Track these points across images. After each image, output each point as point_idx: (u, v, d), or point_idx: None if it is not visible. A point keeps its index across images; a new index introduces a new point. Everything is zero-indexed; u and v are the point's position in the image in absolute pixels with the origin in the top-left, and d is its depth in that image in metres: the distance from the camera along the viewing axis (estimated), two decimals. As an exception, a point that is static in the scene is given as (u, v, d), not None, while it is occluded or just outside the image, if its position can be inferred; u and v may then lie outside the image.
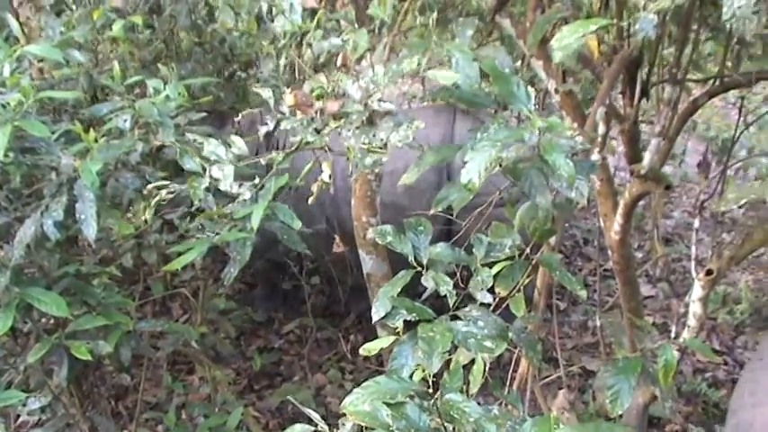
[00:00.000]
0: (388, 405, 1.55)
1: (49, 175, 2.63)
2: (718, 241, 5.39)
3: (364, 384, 1.58)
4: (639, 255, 6.10)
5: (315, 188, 1.99)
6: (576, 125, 3.20)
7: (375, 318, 1.82)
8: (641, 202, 4.68)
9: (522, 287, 2.05)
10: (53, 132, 2.77)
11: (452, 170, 4.21)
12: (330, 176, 1.90)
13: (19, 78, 2.56)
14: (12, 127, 2.33)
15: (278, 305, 5.51)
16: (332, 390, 4.75)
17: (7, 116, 2.37)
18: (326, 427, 1.85)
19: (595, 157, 2.91)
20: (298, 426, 1.86)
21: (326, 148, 2.00)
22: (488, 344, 1.74)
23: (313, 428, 1.83)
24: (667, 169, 5.33)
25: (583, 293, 1.89)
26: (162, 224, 3.30)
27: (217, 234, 2.86)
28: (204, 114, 3.22)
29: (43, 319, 2.86)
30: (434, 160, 1.93)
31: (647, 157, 2.73)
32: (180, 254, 2.84)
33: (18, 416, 2.67)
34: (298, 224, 2.73)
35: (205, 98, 3.45)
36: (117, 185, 2.87)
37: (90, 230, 2.35)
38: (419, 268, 1.88)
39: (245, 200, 2.89)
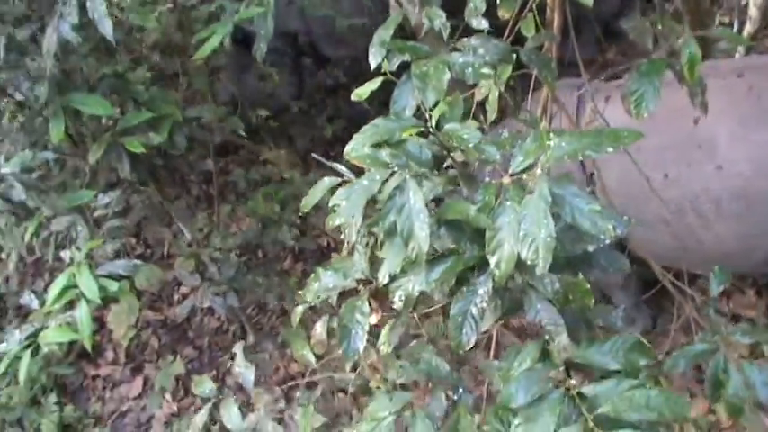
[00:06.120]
0: (389, 144, 1.57)
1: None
2: None
3: (362, 129, 1.59)
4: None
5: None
6: None
7: (373, 65, 1.79)
8: None
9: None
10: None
11: None
12: None
13: None
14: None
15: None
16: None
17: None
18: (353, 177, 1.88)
19: None
20: (326, 179, 1.92)
21: None
22: (486, 70, 1.68)
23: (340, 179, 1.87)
24: None
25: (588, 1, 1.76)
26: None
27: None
28: None
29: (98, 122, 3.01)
30: None
31: None
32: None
33: (94, 210, 2.91)
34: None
35: None
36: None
37: (106, 27, 2.37)
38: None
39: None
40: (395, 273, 1.50)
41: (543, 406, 1.30)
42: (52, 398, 4.25)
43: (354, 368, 1.99)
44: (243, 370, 2.03)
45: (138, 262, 2.72)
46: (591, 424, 1.22)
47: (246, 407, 2.18)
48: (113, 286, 2.65)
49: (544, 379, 1.33)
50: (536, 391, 1.31)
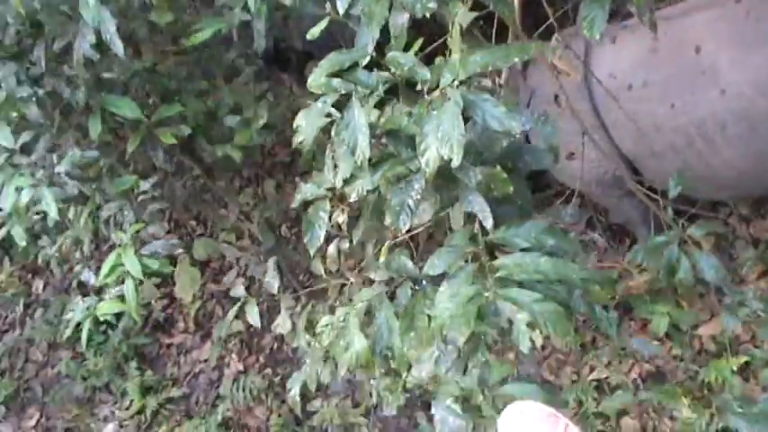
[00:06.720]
0: (341, 74, 1.83)
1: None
2: None
3: (320, 63, 1.85)
4: None
5: None
6: None
7: (341, 11, 2.04)
8: None
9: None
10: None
11: None
12: None
13: None
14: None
15: None
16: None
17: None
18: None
19: None
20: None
21: None
22: (432, 5, 1.91)
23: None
24: None
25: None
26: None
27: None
28: None
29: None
30: None
31: None
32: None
33: (138, 194, 3.31)
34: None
35: None
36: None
37: (118, 48, 2.70)
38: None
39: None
40: (347, 177, 1.78)
41: (461, 274, 1.55)
42: (133, 364, 4.78)
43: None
44: (270, 279, 2.42)
45: (176, 241, 3.14)
46: (490, 283, 1.47)
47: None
48: (155, 264, 3.03)
49: (461, 253, 1.58)
50: (452, 262, 1.56)
